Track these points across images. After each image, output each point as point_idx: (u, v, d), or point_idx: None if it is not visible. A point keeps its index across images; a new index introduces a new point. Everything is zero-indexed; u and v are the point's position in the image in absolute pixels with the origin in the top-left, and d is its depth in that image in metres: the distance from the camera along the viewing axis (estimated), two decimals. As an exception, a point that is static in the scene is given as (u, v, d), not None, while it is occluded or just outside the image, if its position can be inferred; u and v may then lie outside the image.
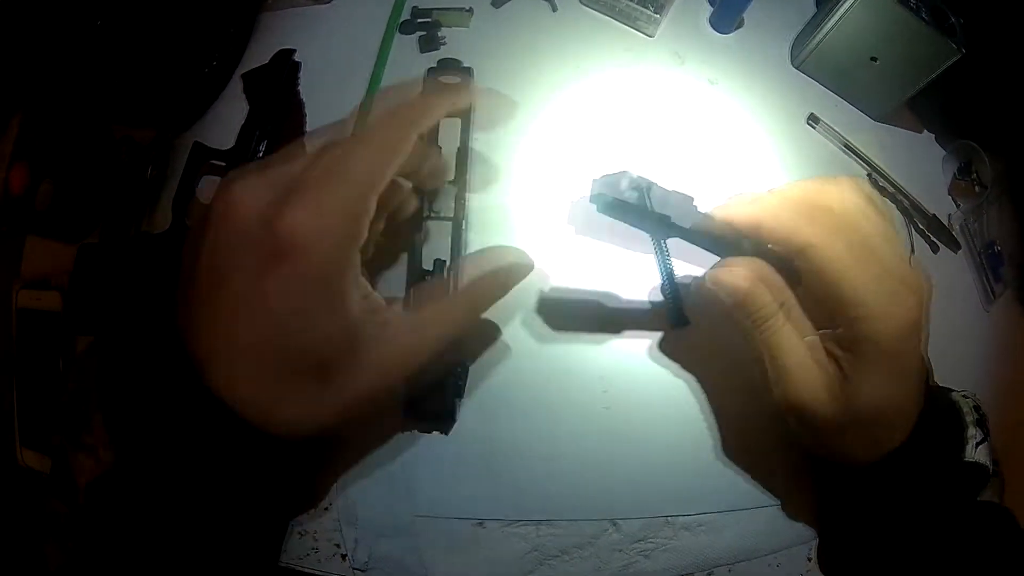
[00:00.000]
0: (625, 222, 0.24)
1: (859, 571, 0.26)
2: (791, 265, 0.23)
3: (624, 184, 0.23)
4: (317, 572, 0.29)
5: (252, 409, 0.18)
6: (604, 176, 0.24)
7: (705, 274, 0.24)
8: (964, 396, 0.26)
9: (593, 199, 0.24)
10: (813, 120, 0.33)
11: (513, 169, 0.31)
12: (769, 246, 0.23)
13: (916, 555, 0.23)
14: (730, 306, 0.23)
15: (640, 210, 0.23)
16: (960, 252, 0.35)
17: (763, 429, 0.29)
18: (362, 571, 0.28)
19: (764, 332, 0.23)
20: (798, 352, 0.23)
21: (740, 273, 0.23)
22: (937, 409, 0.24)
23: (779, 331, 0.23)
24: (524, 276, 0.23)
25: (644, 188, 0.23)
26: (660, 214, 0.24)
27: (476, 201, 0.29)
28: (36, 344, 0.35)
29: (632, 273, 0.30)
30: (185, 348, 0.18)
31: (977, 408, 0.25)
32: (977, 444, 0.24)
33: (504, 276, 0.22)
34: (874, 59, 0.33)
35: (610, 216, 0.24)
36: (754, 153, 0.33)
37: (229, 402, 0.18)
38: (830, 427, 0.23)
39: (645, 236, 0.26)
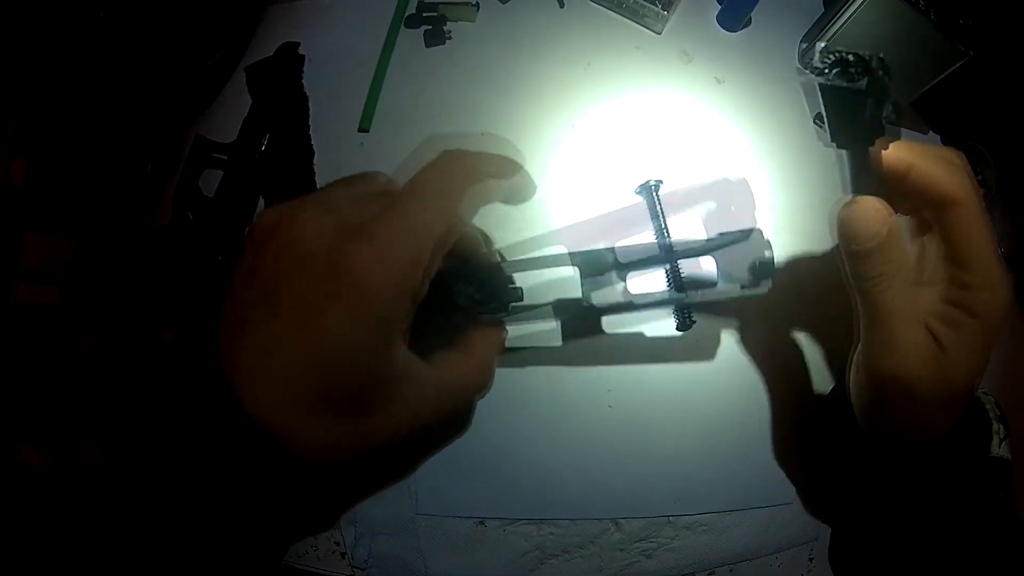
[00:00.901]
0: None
1: (874, 566, 0.26)
2: (921, 217, 0.22)
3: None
4: (316, 570, 0.28)
5: (278, 430, 0.18)
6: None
7: (839, 206, 0.21)
8: (985, 394, 0.26)
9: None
10: (820, 120, 0.33)
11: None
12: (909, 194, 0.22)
13: (936, 550, 0.24)
14: (858, 252, 0.21)
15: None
16: (964, 254, 0.35)
17: (776, 425, 0.29)
18: (361, 569, 0.28)
19: (884, 292, 0.21)
20: (911, 319, 0.21)
21: (881, 217, 0.20)
22: (968, 407, 0.24)
23: (899, 294, 0.21)
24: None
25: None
26: None
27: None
28: (35, 339, 0.35)
29: (637, 275, 0.30)
30: (219, 357, 0.18)
31: (998, 405, 0.25)
32: (1001, 440, 0.24)
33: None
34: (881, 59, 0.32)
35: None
36: (761, 152, 0.32)
37: (257, 419, 0.18)
38: (926, 404, 0.22)
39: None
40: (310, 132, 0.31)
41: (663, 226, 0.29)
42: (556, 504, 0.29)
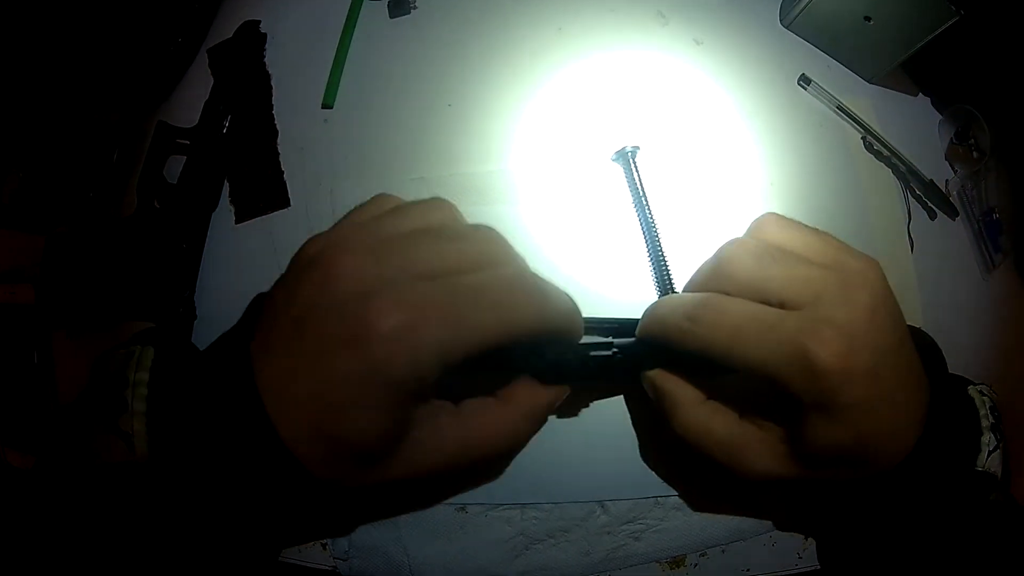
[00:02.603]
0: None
1: (859, 570, 0.25)
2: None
3: None
4: (298, 562, 0.28)
5: (293, 449, 0.18)
6: None
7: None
8: (981, 393, 0.23)
9: None
10: (804, 81, 0.32)
11: (493, 133, 0.29)
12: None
13: (917, 557, 0.22)
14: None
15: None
16: (958, 219, 0.34)
17: None
18: (343, 560, 0.28)
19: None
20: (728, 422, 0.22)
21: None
22: (950, 407, 0.22)
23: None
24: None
25: None
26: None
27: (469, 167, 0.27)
28: (12, 340, 0.34)
29: (618, 246, 0.29)
30: (252, 373, 0.18)
31: (993, 410, 0.22)
32: (990, 452, 0.22)
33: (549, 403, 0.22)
34: (868, 19, 0.31)
35: None
36: (745, 113, 0.31)
37: (280, 434, 0.18)
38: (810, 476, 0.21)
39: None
40: (273, 111, 0.30)
41: (642, 194, 0.29)
42: (539, 487, 0.28)
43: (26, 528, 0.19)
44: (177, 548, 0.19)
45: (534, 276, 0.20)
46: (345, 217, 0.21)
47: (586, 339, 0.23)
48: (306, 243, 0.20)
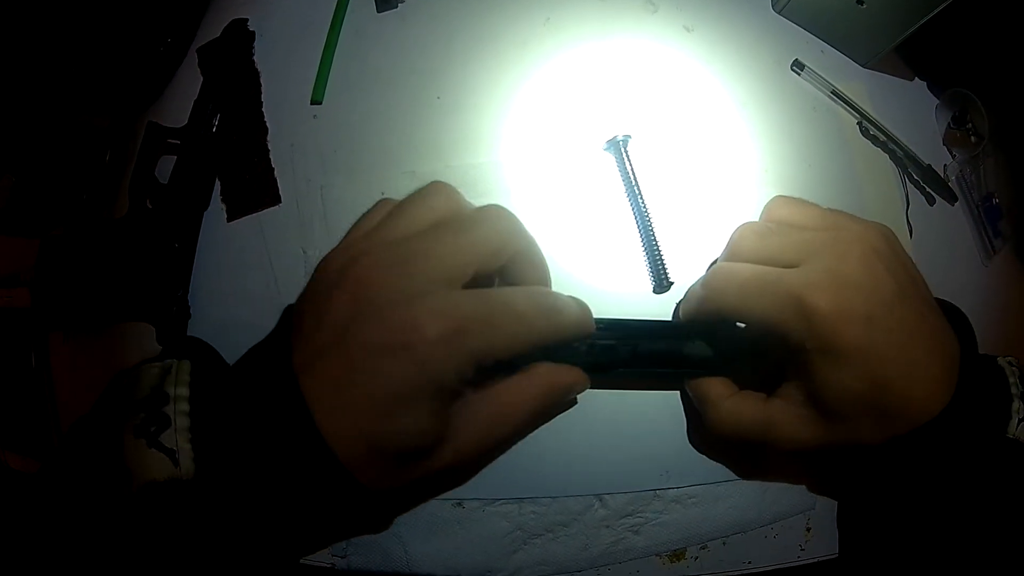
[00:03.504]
0: None
1: (883, 537, 0.24)
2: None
3: None
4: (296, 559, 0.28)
5: (345, 460, 0.19)
6: None
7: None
8: (1010, 364, 0.23)
9: None
10: (798, 66, 0.31)
11: (483, 126, 0.29)
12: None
13: (944, 526, 0.22)
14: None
15: None
16: (957, 204, 0.34)
17: None
18: (341, 557, 0.27)
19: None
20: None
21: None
22: (980, 375, 0.22)
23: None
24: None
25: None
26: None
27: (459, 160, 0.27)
28: (10, 343, 0.34)
29: (613, 235, 0.29)
30: (298, 387, 0.19)
31: (1023, 379, 0.22)
32: (1020, 421, 0.22)
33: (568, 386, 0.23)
34: (861, 2, 0.31)
35: None
36: (737, 101, 0.31)
37: (333, 447, 0.18)
38: (828, 443, 0.22)
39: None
40: (263, 109, 0.30)
41: (634, 184, 0.28)
42: (536, 481, 0.27)
43: (30, 536, 0.19)
44: (218, 565, 0.18)
45: (549, 291, 0.22)
46: (353, 228, 0.22)
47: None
48: (324, 260, 0.20)
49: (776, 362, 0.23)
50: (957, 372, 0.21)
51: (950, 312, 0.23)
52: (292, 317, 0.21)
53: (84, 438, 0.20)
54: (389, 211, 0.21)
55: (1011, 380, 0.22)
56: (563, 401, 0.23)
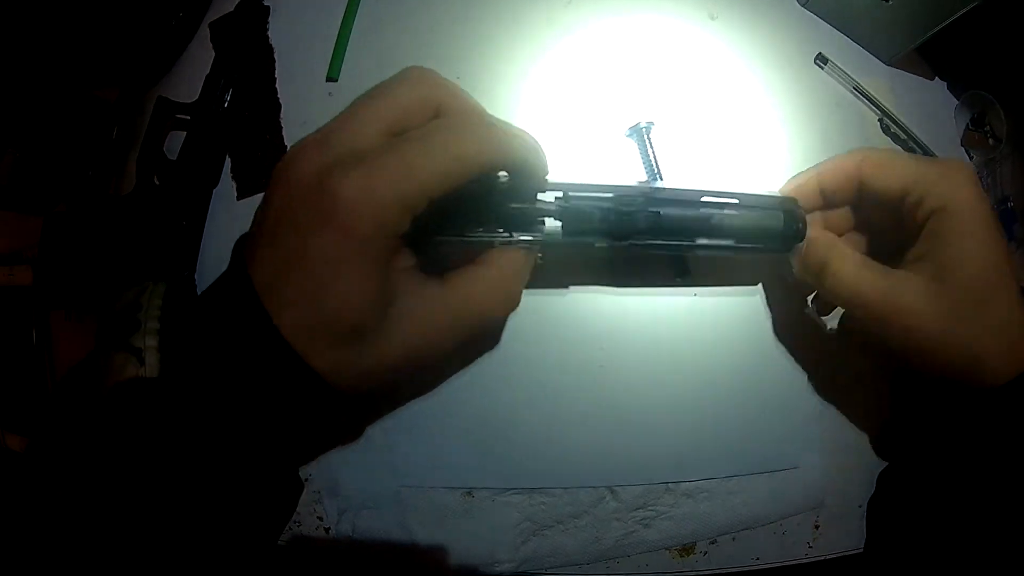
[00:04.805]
0: None
1: (921, 520, 0.25)
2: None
3: None
4: (301, 544, 0.27)
5: (300, 351, 0.19)
6: None
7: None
8: None
9: None
10: (821, 60, 0.31)
11: (503, 108, 0.29)
12: None
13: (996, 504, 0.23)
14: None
15: None
16: (974, 206, 0.34)
17: (782, 385, 0.28)
18: (346, 544, 0.27)
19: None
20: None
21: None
22: None
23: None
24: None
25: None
26: None
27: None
28: (11, 321, 0.34)
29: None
30: (250, 282, 0.19)
31: None
32: None
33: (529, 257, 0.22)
34: (886, -1, 0.30)
35: None
36: (758, 92, 0.31)
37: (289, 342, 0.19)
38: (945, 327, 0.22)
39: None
40: (276, 85, 0.29)
41: (656, 172, 0.28)
42: (548, 472, 0.27)
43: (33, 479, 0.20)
44: (190, 471, 0.19)
45: (481, 115, 0.22)
46: None
47: None
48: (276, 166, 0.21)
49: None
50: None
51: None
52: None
53: (78, 366, 0.21)
54: None
55: None
56: (522, 287, 0.23)
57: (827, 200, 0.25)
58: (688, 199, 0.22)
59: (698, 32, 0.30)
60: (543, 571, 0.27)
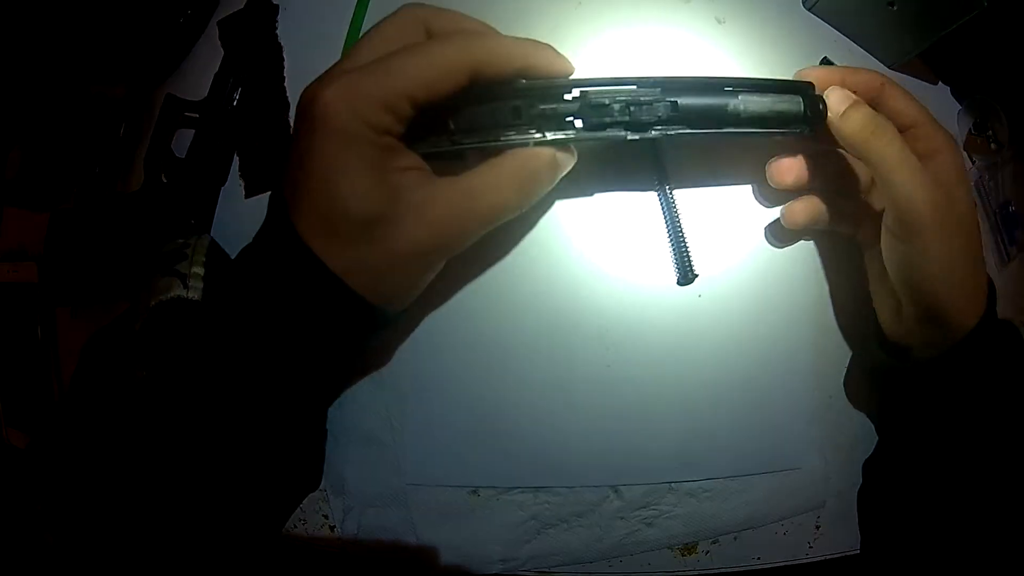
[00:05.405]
0: None
1: (914, 482, 0.26)
2: None
3: None
4: (306, 542, 0.27)
5: (324, 259, 0.21)
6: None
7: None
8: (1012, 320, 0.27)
9: None
10: (827, 63, 0.31)
11: None
12: None
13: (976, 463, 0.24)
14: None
15: None
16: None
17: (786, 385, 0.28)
18: (352, 542, 0.27)
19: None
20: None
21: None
22: (999, 322, 0.25)
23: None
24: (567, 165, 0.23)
25: None
26: None
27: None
28: (16, 318, 0.34)
29: (638, 226, 0.29)
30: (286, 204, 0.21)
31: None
32: None
33: (550, 158, 0.22)
34: (891, 4, 0.31)
35: None
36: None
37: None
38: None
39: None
40: (285, 84, 0.29)
41: (665, 178, 0.28)
42: (552, 471, 0.27)
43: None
44: (229, 393, 0.20)
45: (474, 29, 0.23)
46: None
47: None
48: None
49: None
50: (986, 298, 0.24)
51: None
52: None
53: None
54: None
55: (1019, 327, 0.26)
56: (545, 181, 0.23)
57: None
58: (707, 87, 0.23)
59: (706, 35, 0.30)
60: (547, 569, 0.28)
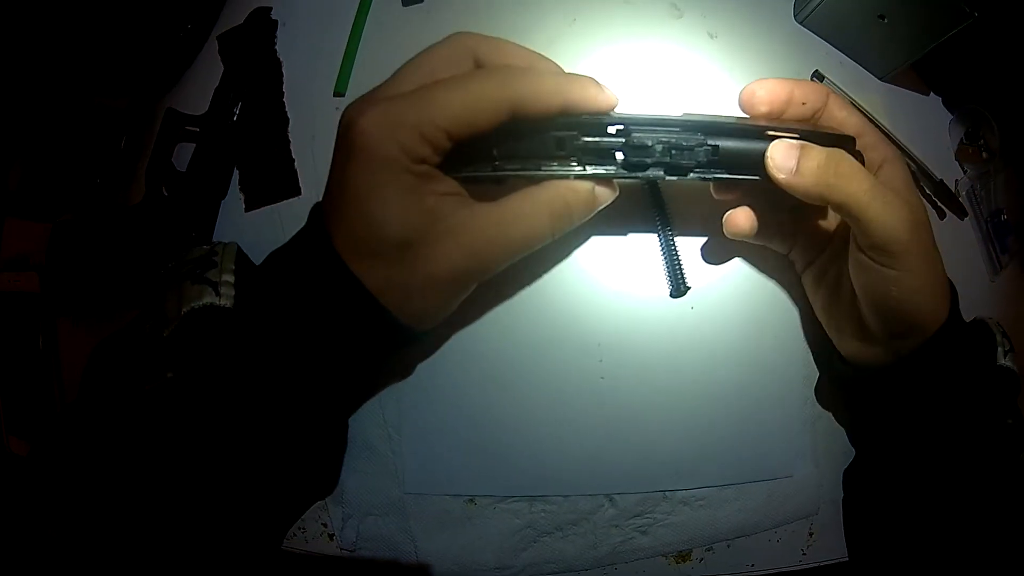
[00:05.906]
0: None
1: (891, 487, 0.27)
2: None
3: None
4: (304, 552, 0.28)
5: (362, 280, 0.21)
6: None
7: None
8: (988, 318, 0.27)
9: None
10: (818, 77, 0.32)
11: None
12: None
13: (950, 466, 0.24)
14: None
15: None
16: (966, 219, 0.34)
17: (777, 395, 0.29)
18: (350, 551, 0.28)
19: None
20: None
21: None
22: (966, 321, 0.26)
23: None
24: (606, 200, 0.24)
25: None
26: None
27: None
28: (17, 327, 0.34)
29: (630, 239, 0.29)
30: (323, 222, 0.22)
31: (1000, 325, 0.27)
32: (1006, 352, 0.26)
33: (586, 194, 0.23)
34: (882, 17, 0.31)
35: None
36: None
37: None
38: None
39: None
40: (284, 99, 0.30)
41: (658, 191, 0.28)
42: (548, 480, 0.28)
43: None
44: (258, 397, 0.21)
45: (521, 65, 0.23)
46: None
47: None
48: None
49: None
50: (949, 300, 0.25)
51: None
52: None
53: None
54: None
55: (991, 324, 0.27)
56: (580, 214, 0.23)
57: (787, 110, 0.25)
58: (747, 132, 0.23)
59: (698, 50, 0.30)
60: (543, 577, 0.28)
